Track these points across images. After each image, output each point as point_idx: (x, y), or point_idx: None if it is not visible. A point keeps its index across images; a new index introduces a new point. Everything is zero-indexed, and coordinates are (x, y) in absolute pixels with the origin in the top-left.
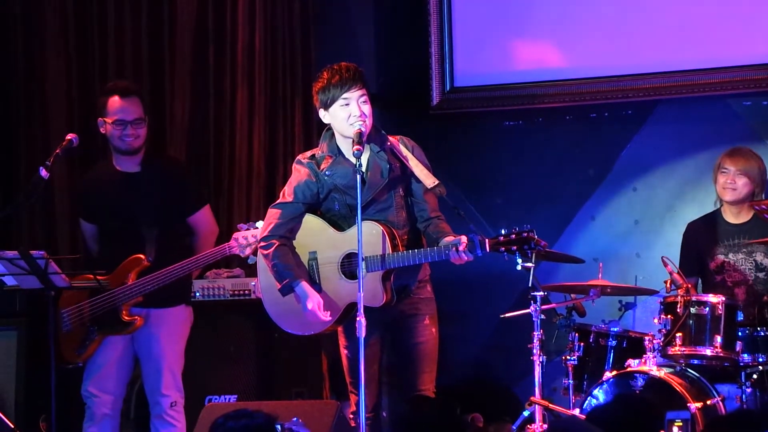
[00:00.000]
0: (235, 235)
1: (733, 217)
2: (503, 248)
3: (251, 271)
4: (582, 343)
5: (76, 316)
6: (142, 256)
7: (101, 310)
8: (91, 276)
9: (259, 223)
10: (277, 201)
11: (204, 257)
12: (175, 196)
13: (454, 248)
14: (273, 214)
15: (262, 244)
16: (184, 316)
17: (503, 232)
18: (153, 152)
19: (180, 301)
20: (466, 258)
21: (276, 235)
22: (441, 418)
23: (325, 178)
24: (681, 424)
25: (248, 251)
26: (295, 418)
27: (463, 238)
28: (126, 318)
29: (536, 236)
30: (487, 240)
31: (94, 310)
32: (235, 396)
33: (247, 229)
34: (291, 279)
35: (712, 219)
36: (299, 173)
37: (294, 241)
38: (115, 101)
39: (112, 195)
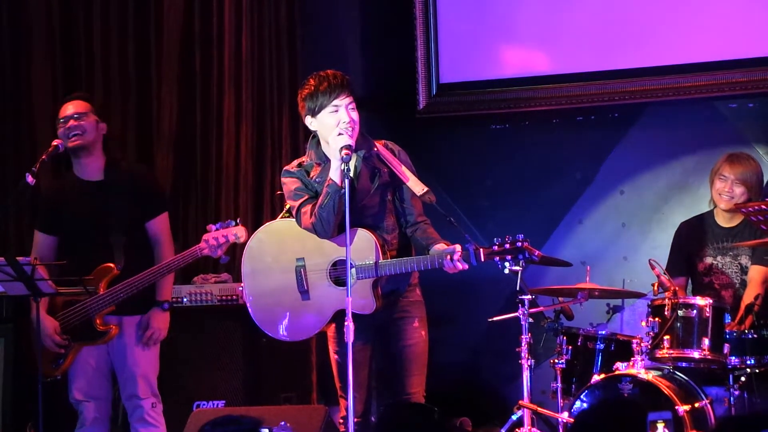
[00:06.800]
0: (206, 236)
1: (724, 220)
2: (497, 257)
3: (238, 276)
4: (570, 347)
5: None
6: (111, 264)
7: (74, 322)
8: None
9: (233, 223)
10: (294, 204)
11: (175, 261)
12: (139, 199)
13: (448, 257)
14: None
15: (302, 212)
16: None
17: (497, 241)
18: (115, 159)
19: (151, 308)
20: (460, 266)
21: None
22: (421, 424)
23: (315, 185)
24: (663, 424)
25: (220, 252)
26: (282, 423)
27: (458, 247)
28: (101, 328)
29: (530, 245)
30: (481, 250)
31: (68, 322)
32: (224, 401)
33: (218, 230)
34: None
35: (704, 220)
36: (291, 183)
37: (281, 247)
38: (62, 108)
39: (76, 204)
